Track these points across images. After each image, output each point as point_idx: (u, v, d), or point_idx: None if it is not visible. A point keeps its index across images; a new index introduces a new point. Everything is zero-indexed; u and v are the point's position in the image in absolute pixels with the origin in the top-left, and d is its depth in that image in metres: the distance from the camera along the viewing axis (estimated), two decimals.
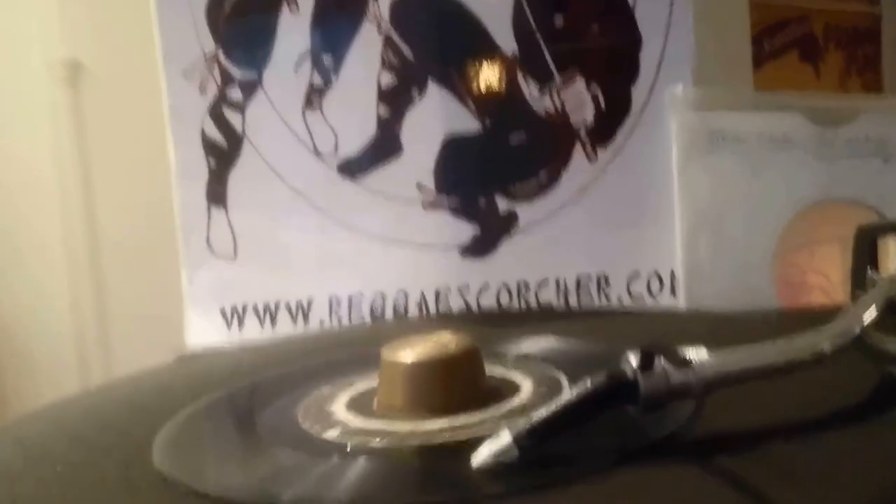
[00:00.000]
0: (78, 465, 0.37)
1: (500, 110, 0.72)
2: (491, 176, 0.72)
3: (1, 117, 0.80)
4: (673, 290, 0.72)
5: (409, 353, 0.41)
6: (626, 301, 0.72)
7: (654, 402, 0.34)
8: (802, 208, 0.72)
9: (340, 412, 0.41)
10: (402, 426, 0.38)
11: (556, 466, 0.33)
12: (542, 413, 0.33)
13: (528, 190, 0.72)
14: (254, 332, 0.71)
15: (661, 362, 0.34)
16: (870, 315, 0.39)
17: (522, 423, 0.33)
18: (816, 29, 0.78)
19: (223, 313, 0.71)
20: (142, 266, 0.76)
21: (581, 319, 0.67)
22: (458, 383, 0.41)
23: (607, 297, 0.72)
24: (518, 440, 0.33)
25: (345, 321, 0.71)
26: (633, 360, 0.34)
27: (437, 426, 0.38)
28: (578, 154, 0.72)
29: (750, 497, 0.30)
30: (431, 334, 0.43)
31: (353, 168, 0.71)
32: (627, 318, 0.69)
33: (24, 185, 0.81)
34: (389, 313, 0.71)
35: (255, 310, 0.71)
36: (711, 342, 0.36)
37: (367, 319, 0.71)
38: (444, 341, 0.42)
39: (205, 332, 0.71)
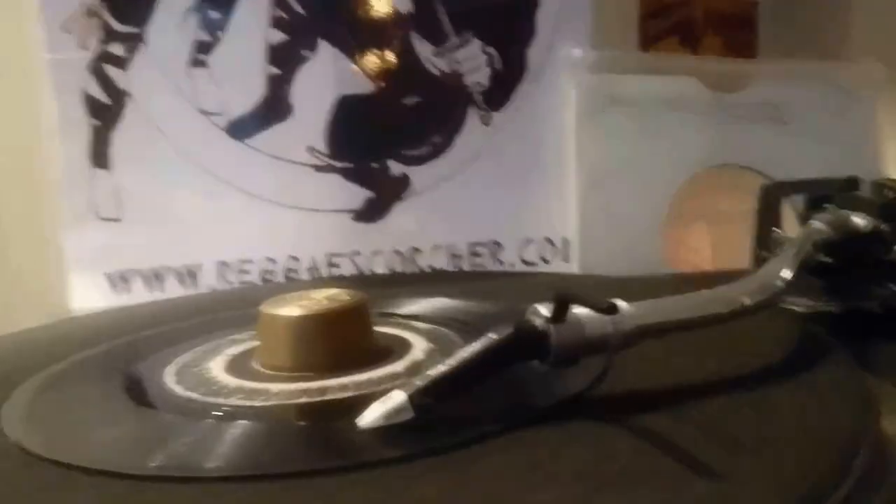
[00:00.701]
0: None
1: (394, 71, 0.70)
2: (383, 139, 0.71)
3: None
4: (566, 256, 0.72)
5: (290, 307, 0.38)
6: (520, 267, 0.72)
7: (567, 357, 0.31)
8: (694, 173, 0.72)
9: (217, 372, 0.39)
10: (284, 386, 0.36)
11: (454, 428, 0.30)
12: (439, 369, 0.30)
13: (420, 153, 0.71)
14: (141, 297, 0.69)
15: (575, 313, 0.31)
16: (788, 271, 0.39)
17: (418, 381, 0.30)
18: (697, 14, 0.79)
19: (109, 277, 0.69)
20: (20, 228, 0.74)
21: (473, 281, 0.67)
22: (345, 339, 0.38)
23: (501, 263, 0.72)
24: (413, 398, 0.29)
25: (235, 286, 0.70)
26: (544, 310, 0.31)
27: (321, 385, 0.36)
28: (473, 117, 0.71)
29: (670, 458, 0.28)
30: (314, 290, 0.41)
31: (242, 128, 0.69)
32: (521, 280, 0.69)
33: None
34: (280, 279, 0.70)
35: (142, 274, 0.69)
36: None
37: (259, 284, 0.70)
38: (328, 295, 0.40)
39: (89, 296, 0.69)
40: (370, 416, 0.29)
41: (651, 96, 0.71)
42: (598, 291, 0.34)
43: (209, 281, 0.70)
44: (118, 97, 0.68)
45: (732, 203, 0.70)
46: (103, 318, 0.61)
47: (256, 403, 0.35)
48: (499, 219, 0.72)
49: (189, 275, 0.70)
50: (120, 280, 0.69)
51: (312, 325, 0.38)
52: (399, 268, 0.71)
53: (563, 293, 0.31)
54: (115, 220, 0.69)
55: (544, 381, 0.34)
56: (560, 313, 0.31)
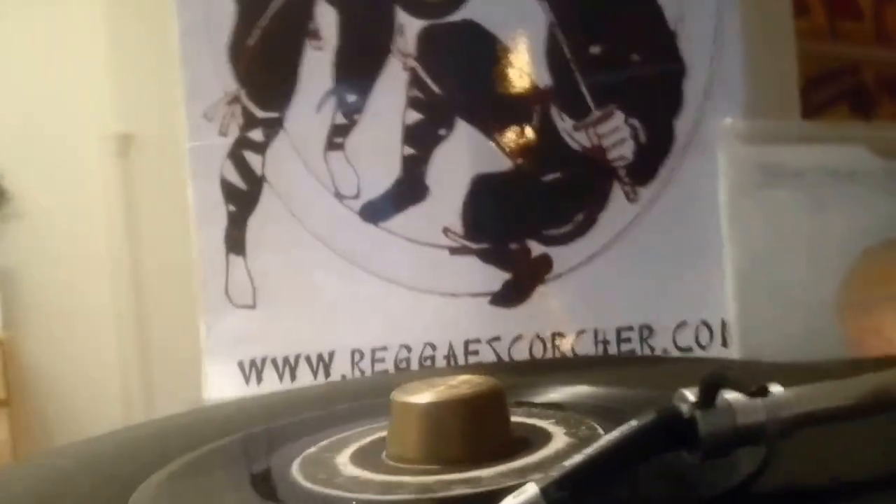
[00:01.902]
0: None
1: (533, 148, 0.67)
2: (523, 218, 0.67)
3: (56, 187, 0.80)
4: (724, 341, 0.66)
5: (423, 394, 0.35)
6: (673, 353, 0.66)
7: (717, 447, 0.28)
8: (870, 248, 0.65)
9: (345, 465, 0.36)
10: (414, 479, 0.33)
11: None
12: (575, 460, 0.27)
13: (563, 233, 0.67)
14: (273, 385, 0.67)
15: (725, 398, 0.28)
16: None
17: (553, 472, 0.27)
18: (867, 78, 0.71)
19: (241, 366, 0.67)
20: (179, 324, 0.73)
21: (621, 367, 0.62)
22: (479, 429, 0.35)
23: (651, 349, 0.66)
24: (546, 492, 0.26)
25: (367, 375, 0.67)
26: (691, 394, 0.28)
27: (453, 478, 0.32)
28: (617, 193, 0.67)
29: None
30: (449, 377, 0.38)
31: (377, 211, 0.67)
32: (674, 366, 0.63)
33: (78, 250, 0.80)
34: (415, 367, 0.67)
35: (274, 362, 0.67)
36: None
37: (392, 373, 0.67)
38: (463, 382, 0.36)
39: (223, 385, 0.67)
40: None
41: (814, 167, 0.65)
42: (759, 378, 0.30)
43: (343, 369, 0.67)
44: (255, 182, 0.68)
45: None
46: (234, 407, 0.59)
47: (383, 498, 0.32)
48: (649, 301, 0.66)
49: (322, 363, 0.67)
50: (252, 368, 0.67)
51: (444, 412, 0.34)
52: (541, 354, 0.66)
53: (712, 375, 0.28)
54: (250, 307, 0.68)
55: (696, 475, 0.29)
56: (708, 398, 0.28)
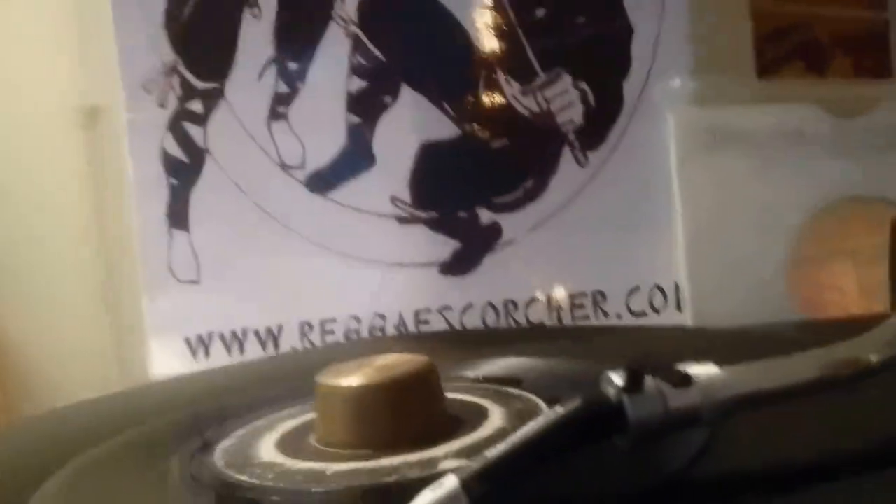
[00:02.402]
0: None
1: (480, 114, 0.66)
2: (471, 186, 0.66)
3: (23, 160, 0.78)
4: (678, 305, 0.65)
5: (349, 377, 0.34)
6: (627, 318, 0.66)
7: (649, 433, 0.26)
8: (820, 209, 0.64)
9: (268, 452, 0.34)
10: (341, 466, 0.32)
11: None
12: (497, 450, 0.26)
13: (512, 200, 0.66)
14: (221, 360, 0.66)
15: (654, 382, 0.27)
16: None
17: (473, 465, 0.26)
18: (822, 36, 0.70)
19: (188, 342, 0.66)
20: (101, 294, 0.71)
21: (572, 337, 0.61)
22: (408, 412, 0.33)
23: (605, 314, 0.66)
24: (467, 486, 0.25)
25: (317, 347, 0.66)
26: (618, 378, 0.27)
27: (383, 464, 0.31)
28: (567, 158, 0.66)
29: None
30: (378, 356, 0.36)
31: (323, 181, 0.66)
32: (626, 336, 0.62)
33: (48, 225, 0.78)
34: (366, 337, 0.66)
35: (222, 337, 0.66)
36: (725, 361, 0.29)
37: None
38: (393, 363, 0.35)
39: (169, 361, 0.66)
40: None
41: (765, 128, 0.65)
42: (712, 346, 0.29)
43: (292, 342, 0.66)
44: (197, 155, 0.66)
45: (868, 238, 0.62)
46: (165, 387, 0.57)
47: (302, 487, 0.30)
48: (601, 266, 0.66)
49: (270, 336, 0.66)
50: (200, 344, 0.66)
51: (370, 396, 0.33)
52: (493, 323, 0.65)
53: (634, 359, 0.27)
54: (194, 281, 0.66)
55: (630, 462, 0.28)
56: (635, 383, 0.26)
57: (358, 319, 0.66)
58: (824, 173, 0.64)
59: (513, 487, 0.25)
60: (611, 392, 0.26)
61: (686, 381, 0.27)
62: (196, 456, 0.35)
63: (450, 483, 0.25)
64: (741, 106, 0.64)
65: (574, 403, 0.26)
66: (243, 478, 0.32)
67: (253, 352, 0.66)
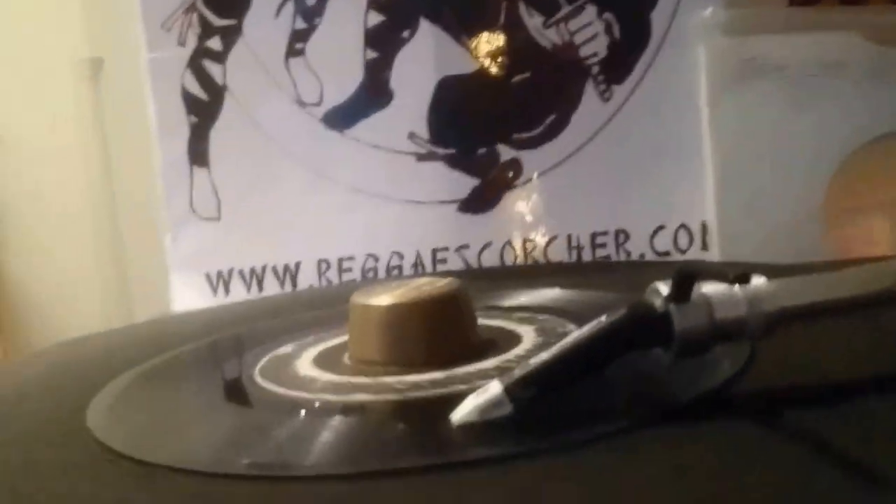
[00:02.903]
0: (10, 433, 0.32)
1: (501, 47, 0.64)
2: (491, 122, 0.64)
3: (30, 111, 0.80)
4: (704, 245, 0.63)
5: (384, 296, 0.34)
6: (651, 259, 0.63)
7: (693, 345, 0.26)
8: (859, 145, 0.61)
9: (306, 368, 0.35)
10: (375, 381, 0.32)
11: (557, 427, 0.25)
12: (541, 357, 0.26)
13: (533, 136, 0.64)
14: (240, 297, 0.66)
15: (702, 291, 0.26)
16: None
17: (517, 371, 0.26)
18: None
19: (208, 277, 0.66)
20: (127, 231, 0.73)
21: (596, 272, 0.59)
22: (442, 331, 0.34)
23: (627, 254, 0.63)
24: (511, 391, 0.25)
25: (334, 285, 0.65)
26: (664, 288, 0.26)
27: (415, 380, 0.31)
28: (590, 93, 0.63)
29: (822, 469, 0.21)
30: (411, 279, 0.36)
31: (341, 118, 0.65)
32: (652, 270, 0.60)
33: (55, 172, 0.80)
34: (383, 276, 0.65)
35: (241, 274, 0.66)
36: None
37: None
38: (426, 283, 0.35)
39: (190, 297, 0.66)
40: (463, 411, 0.26)
41: (800, 59, 0.61)
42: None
43: (310, 279, 0.65)
44: (216, 92, 0.66)
45: None
46: (197, 316, 0.58)
47: (342, 398, 0.31)
48: (625, 204, 0.63)
49: (288, 273, 0.66)
50: (219, 280, 0.66)
51: (405, 314, 0.33)
52: (512, 262, 0.64)
53: (686, 265, 0.26)
54: (215, 219, 0.66)
55: (671, 375, 0.28)
56: (683, 290, 0.25)
57: (376, 258, 0.65)
58: (865, 107, 0.61)
59: (553, 394, 0.26)
60: (657, 302, 0.26)
61: (744, 278, 0.26)
62: (236, 371, 0.37)
63: (494, 388, 0.25)
64: (776, 35, 0.61)
65: (619, 312, 0.26)
66: (282, 389, 0.32)
67: (271, 289, 0.66)
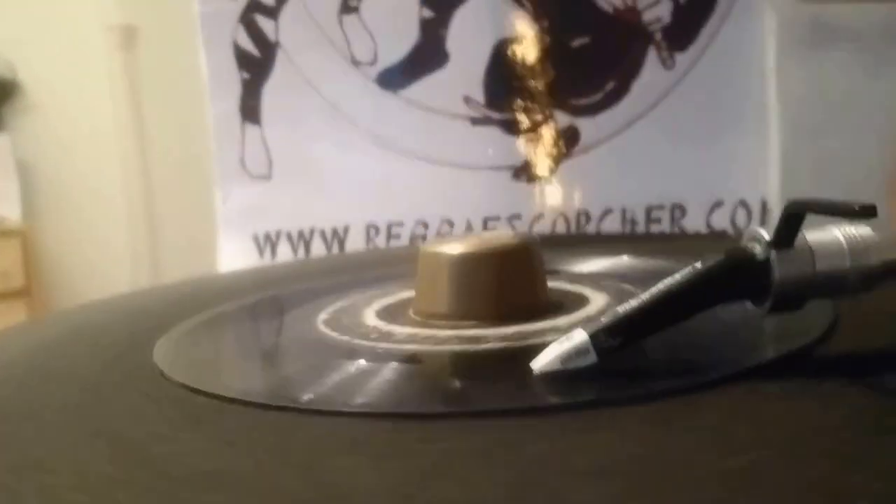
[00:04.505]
0: (80, 364, 0.32)
1: (560, 9, 0.62)
2: (549, 87, 0.63)
3: (66, 79, 0.80)
4: (763, 223, 0.61)
5: (454, 245, 0.32)
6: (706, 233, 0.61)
7: (790, 297, 0.24)
8: None
9: (370, 319, 0.34)
10: (442, 332, 0.31)
11: (642, 379, 0.24)
12: (630, 304, 0.25)
13: (592, 103, 0.62)
14: (286, 259, 0.65)
15: (805, 238, 0.24)
16: None
17: (603, 318, 0.25)
18: None
19: (255, 238, 0.66)
20: (188, 207, 0.72)
21: (651, 242, 0.57)
22: (514, 284, 0.32)
23: (682, 230, 0.62)
24: (596, 339, 0.24)
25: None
26: (765, 233, 0.24)
27: (481, 333, 0.30)
28: (652, 59, 0.61)
29: None
30: (483, 232, 0.35)
31: (394, 78, 0.63)
32: (708, 241, 0.58)
33: (88, 140, 0.80)
34: None
35: (289, 236, 0.65)
36: None
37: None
38: (497, 236, 0.34)
39: (237, 257, 0.66)
40: (546, 359, 0.24)
41: (874, 25, 0.58)
42: None
43: (357, 244, 0.65)
44: (268, 49, 0.65)
45: None
46: (252, 274, 0.58)
47: (407, 346, 0.30)
48: (683, 178, 0.61)
49: (336, 237, 0.65)
50: (267, 241, 0.66)
51: (476, 264, 0.32)
52: (564, 232, 0.62)
53: (796, 203, 0.24)
54: (265, 177, 0.66)
55: (760, 330, 0.27)
56: (788, 234, 0.24)
57: (425, 224, 0.64)
58: None
59: (639, 343, 0.25)
60: (757, 248, 0.24)
61: (871, 211, 0.23)
62: (297, 320, 0.36)
63: (578, 336, 0.24)
64: (847, 2, 0.58)
65: (716, 258, 0.25)
66: (355, 339, 0.31)
67: (318, 251, 0.65)
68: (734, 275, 0.25)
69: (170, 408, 0.26)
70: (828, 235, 0.24)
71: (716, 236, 0.60)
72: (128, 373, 0.30)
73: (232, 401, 0.25)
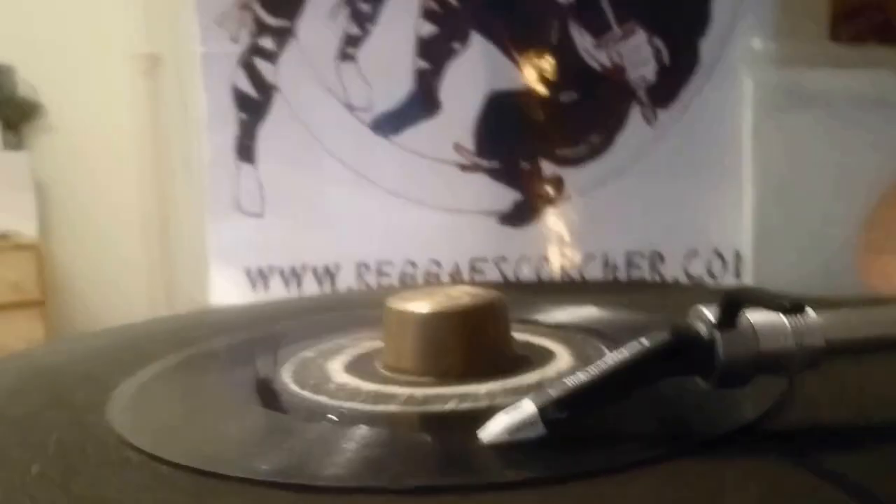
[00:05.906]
0: (29, 418, 0.31)
1: (550, 65, 0.65)
2: (536, 137, 0.65)
3: (87, 103, 0.81)
4: (737, 273, 0.64)
5: (420, 303, 0.33)
6: (683, 282, 0.65)
7: (736, 375, 0.25)
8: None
9: (337, 373, 0.34)
10: (406, 390, 0.31)
11: (591, 452, 0.24)
12: (578, 378, 0.25)
13: (577, 154, 0.65)
14: (278, 294, 0.67)
15: (749, 319, 0.24)
16: None
17: (551, 390, 0.25)
18: (893, 16, 0.68)
19: (248, 272, 0.67)
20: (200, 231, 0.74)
21: (631, 292, 0.60)
22: (478, 342, 0.32)
23: (661, 276, 0.65)
24: (544, 412, 0.24)
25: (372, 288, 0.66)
26: (710, 313, 0.25)
27: (448, 392, 0.30)
28: (635, 115, 0.64)
29: None
30: (448, 286, 0.35)
31: (388, 124, 0.66)
32: (685, 293, 0.61)
33: (107, 162, 0.81)
34: (420, 283, 0.66)
35: (281, 272, 0.67)
36: None
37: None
38: (463, 292, 0.34)
39: (229, 290, 0.67)
40: (494, 430, 0.25)
41: (841, 91, 0.62)
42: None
43: (348, 281, 0.67)
44: (266, 91, 0.67)
45: None
46: (233, 311, 0.59)
47: (373, 408, 0.30)
48: (661, 227, 0.65)
49: (328, 274, 0.67)
50: (259, 276, 0.67)
51: (440, 322, 0.32)
52: (548, 277, 0.65)
53: (736, 291, 0.24)
54: (258, 215, 0.67)
55: (707, 404, 0.27)
56: (729, 317, 0.24)
57: (414, 264, 0.66)
58: None
59: (586, 417, 0.25)
60: (701, 327, 0.25)
61: (799, 308, 0.24)
62: (265, 372, 0.35)
63: (527, 408, 0.24)
64: (819, 69, 0.62)
65: (662, 336, 0.25)
66: (318, 396, 0.31)
67: (310, 288, 0.67)
68: (679, 352, 0.25)
69: (120, 472, 0.26)
70: (771, 316, 0.24)
71: (692, 287, 0.62)
72: (81, 424, 0.30)
73: (185, 468, 0.25)
